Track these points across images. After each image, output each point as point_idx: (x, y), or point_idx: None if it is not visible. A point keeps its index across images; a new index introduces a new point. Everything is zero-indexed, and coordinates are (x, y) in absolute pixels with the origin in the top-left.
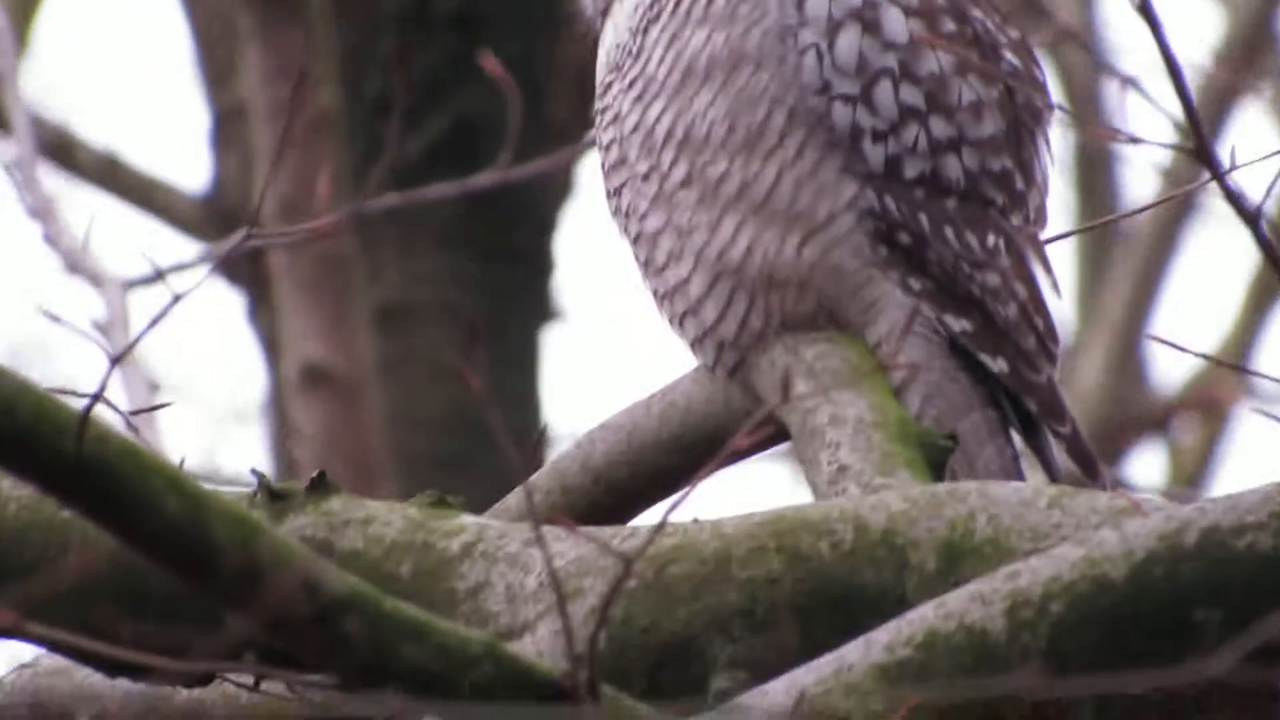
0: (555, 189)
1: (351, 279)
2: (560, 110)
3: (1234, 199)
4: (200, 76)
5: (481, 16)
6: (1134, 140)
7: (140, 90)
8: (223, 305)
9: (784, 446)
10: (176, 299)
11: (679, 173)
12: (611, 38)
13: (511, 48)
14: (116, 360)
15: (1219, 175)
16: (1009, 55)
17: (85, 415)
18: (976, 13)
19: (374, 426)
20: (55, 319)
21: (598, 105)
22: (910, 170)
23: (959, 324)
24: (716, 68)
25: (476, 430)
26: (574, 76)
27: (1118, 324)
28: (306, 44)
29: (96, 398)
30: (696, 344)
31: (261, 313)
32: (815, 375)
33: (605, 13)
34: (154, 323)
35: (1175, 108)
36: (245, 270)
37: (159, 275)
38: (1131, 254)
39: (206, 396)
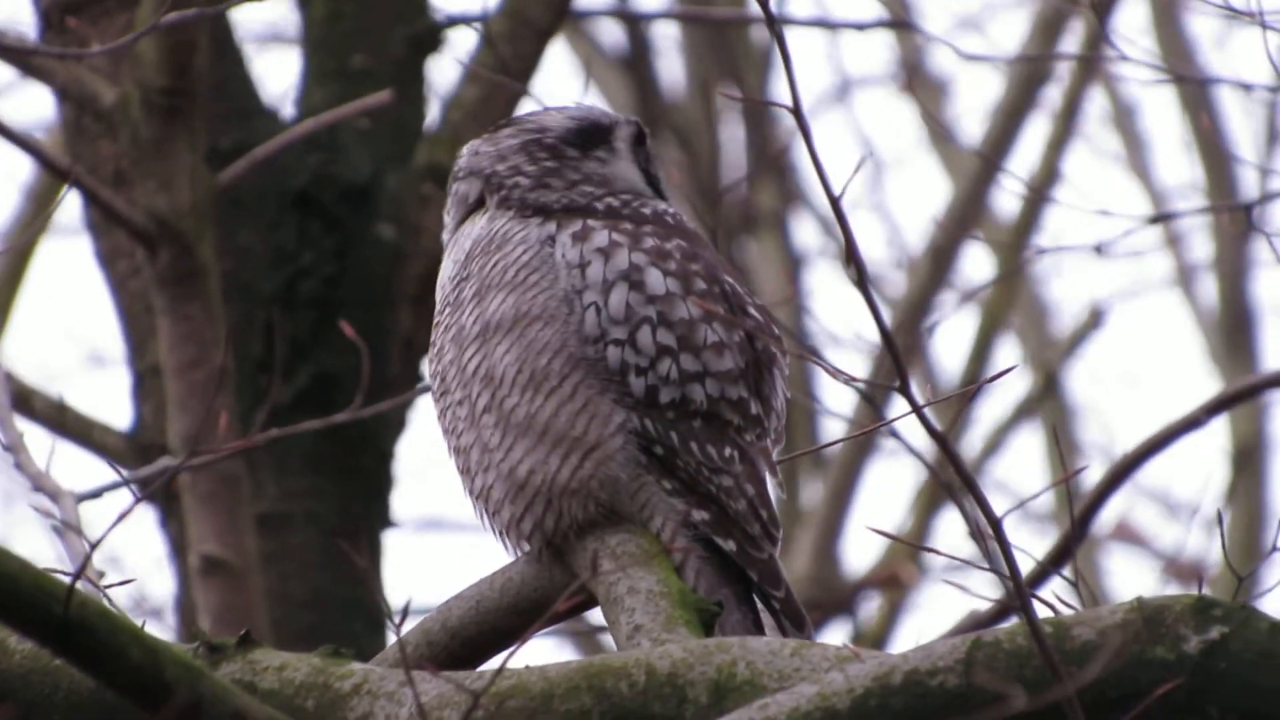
0: (393, 426)
1: (240, 492)
2: (394, 367)
3: (928, 424)
4: (125, 342)
5: (334, 297)
6: (851, 380)
7: (81, 353)
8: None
9: (593, 611)
10: (138, 500)
11: (483, 402)
12: (442, 278)
13: (356, 320)
14: (94, 547)
15: (918, 407)
16: (752, 310)
17: (71, 586)
18: (726, 276)
19: (257, 604)
20: (46, 514)
21: (433, 336)
22: (664, 397)
23: (700, 514)
24: (511, 324)
25: (332, 607)
26: (402, 343)
27: (820, 524)
28: (205, 318)
29: (79, 574)
30: (503, 535)
31: (170, 520)
32: (617, 557)
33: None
34: (116, 522)
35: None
36: (158, 490)
37: (125, 484)
38: (829, 473)
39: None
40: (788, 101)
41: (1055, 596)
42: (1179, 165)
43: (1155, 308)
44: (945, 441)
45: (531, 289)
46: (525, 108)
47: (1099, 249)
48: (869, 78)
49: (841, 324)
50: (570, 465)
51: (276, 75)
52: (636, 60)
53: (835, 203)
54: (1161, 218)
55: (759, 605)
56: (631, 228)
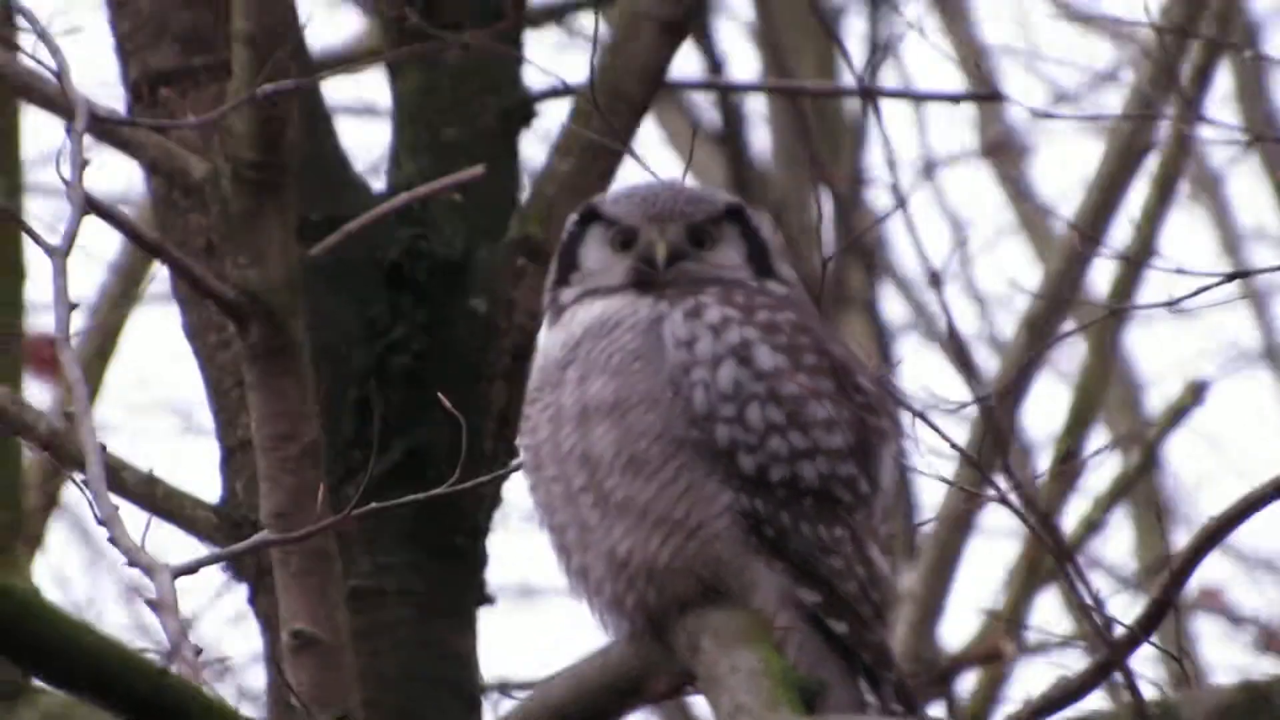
0: (487, 502)
1: (332, 569)
2: (488, 442)
3: (1033, 502)
4: (214, 416)
5: (426, 372)
6: (965, 455)
7: (170, 425)
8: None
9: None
10: (233, 577)
11: (579, 482)
12: (545, 356)
13: (448, 395)
14: (187, 626)
15: (1022, 485)
16: (865, 383)
17: (166, 665)
18: (836, 348)
19: (350, 682)
20: (138, 593)
21: (525, 410)
22: (774, 475)
23: (811, 596)
24: (611, 408)
25: (426, 685)
26: (498, 418)
27: (919, 600)
28: (296, 392)
29: (172, 654)
30: (604, 614)
31: (260, 596)
32: (718, 635)
33: (554, 319)
34: (212, 600)
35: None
36: (249, 565)
37: (221, 559)
38: (929, 548)
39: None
40: (873, 176)
41: (1165, 681)
42: (1264, 233)
43: (1238, 378)
44: (1048, 520)
45: (634, 374)
46: (625, 177)
47: (1171, 304)
48: (956, 151)
49: (927, 398)
50: (671, 546)
51: (367, 147)
52: (729, 134)
53: (936, 279)
54: (1240, 274)
55: (860, 687)
56: (744, 300)
